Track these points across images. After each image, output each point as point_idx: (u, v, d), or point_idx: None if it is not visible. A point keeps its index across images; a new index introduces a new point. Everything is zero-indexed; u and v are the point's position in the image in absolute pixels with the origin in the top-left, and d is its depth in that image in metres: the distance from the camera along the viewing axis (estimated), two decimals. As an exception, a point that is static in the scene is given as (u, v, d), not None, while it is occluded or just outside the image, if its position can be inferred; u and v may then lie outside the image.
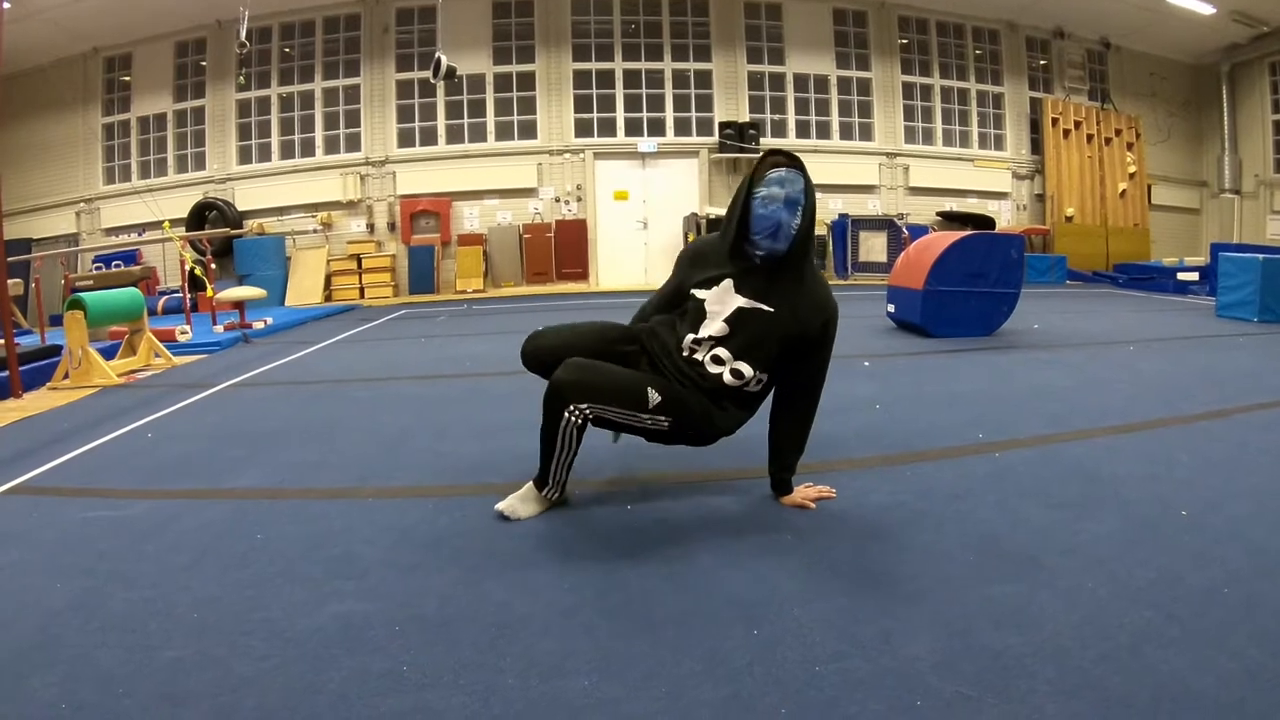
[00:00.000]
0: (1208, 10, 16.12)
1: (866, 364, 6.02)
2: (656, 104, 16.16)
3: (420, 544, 2.83)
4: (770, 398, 3.09)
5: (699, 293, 2.94)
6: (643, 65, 16.15)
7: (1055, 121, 17.35)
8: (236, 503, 3.40)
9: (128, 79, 16.24)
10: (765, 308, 2.84)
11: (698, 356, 2.91)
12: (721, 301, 2.89)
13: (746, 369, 2.89)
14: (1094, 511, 2.96)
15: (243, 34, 12.27)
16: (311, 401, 5.68)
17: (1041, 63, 18.04)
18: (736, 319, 2.86)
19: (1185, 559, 2.52)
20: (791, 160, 2.82)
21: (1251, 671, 1.87)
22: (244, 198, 15.69)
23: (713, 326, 2.88)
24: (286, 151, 15.97)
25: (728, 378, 2.90)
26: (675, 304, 3.08)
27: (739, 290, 2.88)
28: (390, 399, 5.58)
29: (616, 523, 2.99)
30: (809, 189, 2.82)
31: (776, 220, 2.78)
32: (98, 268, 14.86)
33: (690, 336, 2.92)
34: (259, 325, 10.05)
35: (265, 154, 15.99)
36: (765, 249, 2.83)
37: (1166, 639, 2.03)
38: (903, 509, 3.04)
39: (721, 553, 2.67)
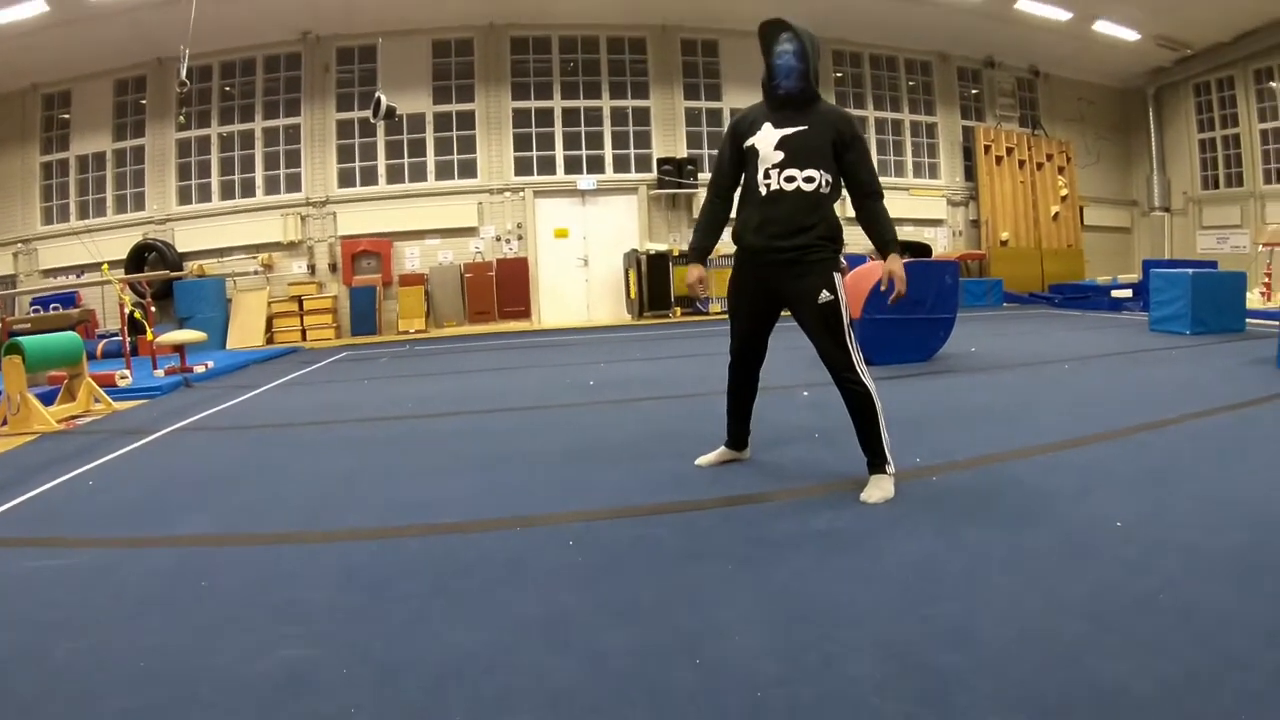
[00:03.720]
0: (1132, 36, 16.69)
1: (806, 394, 6.05)
2: (595, 141, 16.27)
3: (366, 586, 2.81)
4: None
5: (750, 140, 3.69)
6: (581, 103, 16.29)
7: (988, 148, 17.80)
8: (181, 550, 3.35)
9: (67, 116, 15.94)
10: (802, 127, 3.60)
11: (774, 186, 3.61)
12: (767, 139, 3.64)
13: (814, 172, 3.58)
14: (1030, 528, 3.03)
15: (183, 72, 12.11)
16: (255, 446, 5.61)
17: (973, 92, 18.56)
18: (783, 143, 3.61)
19: (1121, 569, 2.59)
20: (788, 25, 3.62)
21: (1191, 673, 1.93)
22: (184, 239, 15.43)
23: (771, 157, 3.62)
24: (227, 192, 15.77)
25: (804, 186, 3.58)
26: (737, 165, 3.80)
27: (777, 126, 3.64)
28: (334, 442, 5.53)
29: (559, 559, 3.00)
30: (806, 38, 3.59)
31: (790, 66, 3.60)
32: (35, 310, 14.54)
33: (761, 175, 3.65)
34: (200, 369, 9.88)
35: (205, 194, 15.76)
36: (785, 88, 3.63)
37: (1105, 647, 2.08)
38: (842, 534, 3.09)
39: (662, 583, 2.70)
